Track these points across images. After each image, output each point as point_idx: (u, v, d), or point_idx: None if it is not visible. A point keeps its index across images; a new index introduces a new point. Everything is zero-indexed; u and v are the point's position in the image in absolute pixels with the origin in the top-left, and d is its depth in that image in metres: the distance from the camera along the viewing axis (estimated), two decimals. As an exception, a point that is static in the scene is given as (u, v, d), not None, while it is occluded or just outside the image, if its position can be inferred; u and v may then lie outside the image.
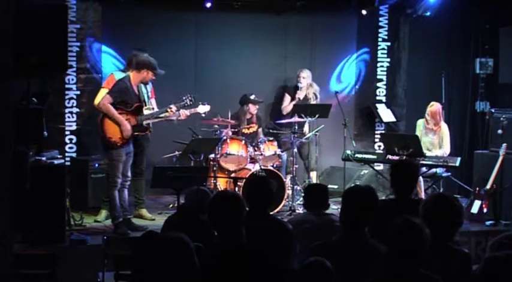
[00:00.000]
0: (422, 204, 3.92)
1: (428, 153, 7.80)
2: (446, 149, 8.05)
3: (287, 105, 8.68)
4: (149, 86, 7.33)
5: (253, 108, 8.50)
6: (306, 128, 8.54)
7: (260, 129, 8.65)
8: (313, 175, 8.55)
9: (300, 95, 8.60)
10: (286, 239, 4.33)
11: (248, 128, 8.43)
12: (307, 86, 8.64)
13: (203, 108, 7.55)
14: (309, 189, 5.08)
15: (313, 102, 8.63)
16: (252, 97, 8.46)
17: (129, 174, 6.91)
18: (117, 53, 8.64)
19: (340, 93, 9.24)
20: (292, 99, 8.65)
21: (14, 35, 2.90)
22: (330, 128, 8.67)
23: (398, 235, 3.17)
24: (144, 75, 6.78)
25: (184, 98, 7.12)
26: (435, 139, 8.11)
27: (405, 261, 3.14)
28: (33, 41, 5.76)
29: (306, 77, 8.61)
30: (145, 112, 6.92)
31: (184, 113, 7.30)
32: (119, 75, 7.11)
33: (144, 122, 6.84)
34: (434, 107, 8.09)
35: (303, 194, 6.09)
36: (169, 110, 6.97)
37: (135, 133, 6.77)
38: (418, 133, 8.07)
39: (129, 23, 8.71)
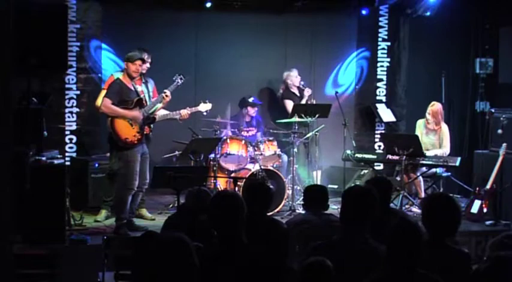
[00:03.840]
0: (422, 204, 3.93)
1: (428, 153, 7.81)
2: (446, 149, 8.05)
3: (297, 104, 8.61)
4: (151, 86, 7.32)
5: (252, 111, 8.50)
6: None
7: (259, 134, 8.63)
8: (315, 175, 8.54)
9: (309, 91, 8.59)
10: (281, 238, 4.33)
11: (247, 131, 8.42)
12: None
13: (205, 107, 7.55)
14: (308, 190, 5.09)
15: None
16: (251, 100, 8.46)
17: (148, 176, 6.86)
18: (117, 53, 8.63)
19: (340, 93, 9.24)
20: (300, 98, 8.61)
21: (14, 35, 2.90)
22: (330, 128, 8.67)
23: (394, 235, 3.19)
24: (128, 68, 6.79)
25: (174, 78, 7.07)
26: (436, 140, 8.11)
27: (403, 261, 3.15)
28: (33, 41, 5.76)
29: (299, 76, 8.63)
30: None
31: (186, 112, 7.29)
32: (118, 76, 7.12)
33: (156, 116, 6.89)
34: (436, 106, 8.10)
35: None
36: (164, 95, 6.93)
37: (145, 125, 6.78)
38: (418, 133, 8.07)
39: (129, 23, 8.71)
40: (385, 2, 9.28)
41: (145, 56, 7.25)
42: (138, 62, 6.79)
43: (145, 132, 7.02)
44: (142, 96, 6.97)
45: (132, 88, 6.84)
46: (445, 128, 8.15)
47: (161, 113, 7.30)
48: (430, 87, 9.37)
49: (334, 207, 7.09)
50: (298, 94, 8.67)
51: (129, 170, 6.67)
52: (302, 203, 5.37)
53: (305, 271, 3.27)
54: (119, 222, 6.72)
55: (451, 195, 4.09)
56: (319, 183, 8.46)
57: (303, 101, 8.53)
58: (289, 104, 8.56)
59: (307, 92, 8.55)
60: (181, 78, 7.05)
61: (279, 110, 8.97)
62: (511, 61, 8.18)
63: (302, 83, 8.61)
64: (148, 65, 7.34)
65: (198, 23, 9.06)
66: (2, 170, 2.86)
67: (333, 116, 8.47)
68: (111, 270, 4.99)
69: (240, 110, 8.55)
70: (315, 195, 4.91)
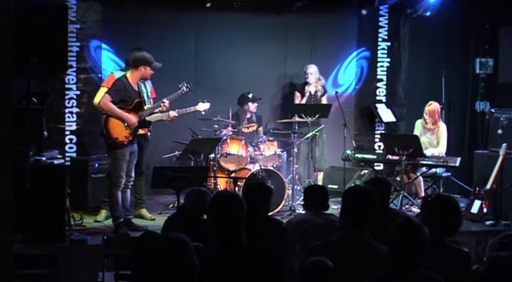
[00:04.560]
0: (422, 204, 3.93)
1: (424, 152, 7.81)
2: (441, 149, 8.05)
3: (299, 103, 8.66)
4: (149, 86, 7.32)
5: (252, 106, 8.50)
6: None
7: (260, 129, 8.64)
8: (315, 175, 8.53)
9: (311, 89, 8.58)
10: (281, 237, 4.33)
11: (248, 127, 8.43)
12: (315, 80, 8.62)
13: (203, 106, 7.55)
14: (309, 190, 5.09)
15: (321, 97, 8.60)
16: (250, 96, 8.47)
17: (133, 174, 6.88)
18: (117, 53, 8.63)
19: (340, 93, 9.24)
20: (303, 96, 8.63)
21: (14, 35, 2.90)
22: (330, 128, 8.67)
23: (398, 235, 3.18)
24: (142, 72, 6.78)
25: (180, 85, 7.07)
26: (433, 139, 8.12)
27: (405, 260, 3.15)
28: (33, 41, 5.76)
29: (313, 72, 8.58)
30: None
31: (174, 114, 7.25)
32: (119, 74, 7.12)
33: (147, 118, 6.86)
34: (433, 105, 8.12)
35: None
36: (162, 104, 6.93)
37: (139, 129, 6.77)
38: (416, 133, 8.09)
39: (129, 23, 8.70)
40: (385, 2, 9.28)
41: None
42: (150, 68, 6.81)
43: (143, 133, 7.03)
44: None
45: (136, 89, 6.82)
46: (442, 127, 8.15)
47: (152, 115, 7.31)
48: (430, 87, 9.37)
49: (334, 207, 7.09)
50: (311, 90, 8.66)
51: (116, 167, 6.67)
52: (302, 203, 5.37)
53: (305, 271, 3.27)
54: (116, 221, 6.73)
55: (451, 195, 4.09)
56: (320, 183, 8.47)
57: (303, 100, 8.55)
58: (296, 96, 8.67)
59: (307, 90, 8.56)
60: (187, 87, 7.06)
61: (279, 109, 8.97)
62: (511, 61, 8.17)
63: (309, 81, 8.58)
64: None
65: (198, 23, 9.06)
66: (2, 170, 2.86)
67: (333, 116, 8.47)
68: (111, 270, 5.00)
69: (240, 107, 8.54)
70: (315, 195, 4.91)
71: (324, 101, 8.63)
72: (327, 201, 4.91)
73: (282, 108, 9.25)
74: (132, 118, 6.66)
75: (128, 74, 6.83)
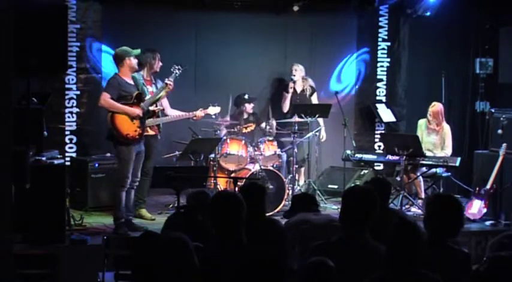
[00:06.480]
0: (426, 203, 3.94)
1: (428, 154, 7.81)
2: (448, 151, 8.05)
3: (284, 101, 8.69)
4: (160, 86, 7.32)
5: (249, 107, 8.52)
6: (322, 132, 8.55)
7: (263, 125, 8.61)
8: (314, 175, 8.54)
9: (297, 88, 8.58)
10: (279, 238, 4.34)
11: (246, 128, 8.43)
12: (302, 79, 8.64)
13: (213, 110, 7.57)
14: (296, 199, 5.17)
15: (312, 97, 8.63)
16: (246, 96, 8.48)
17: (139, 174, 6.89)
18: (117, 53, 8.63)
19: (340, 93, 9.24)
20: (288, 93, 8.65)
21: (14, 35, 2.90)
22: (330, 128, 8.67)
23: (393, 235, 3.19)
24: (129, 63, 6.78)
25: (171, 69, 7.06)
26: (437, 140, 8.11)
27: (403, 260, 3.15)
28: (33, 41, 5.75)
29: (298, 70, 8.61)
30: (161, 118, 7.16)
31: (201, 114, 7.33)
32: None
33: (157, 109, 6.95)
34: (436, 107, 8.10)
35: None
36: (167, 83, 6.95)
37: (145, 121, 6.79)
38: (419, 133, 8.08)
39: (129, 23, 8.71)
40: (385, 2, 9.28)
41: (158, 56, 7.31)
42: (133, 57, 6.81)
43: (153, 133, 7.04)
44: (150, 96, 7.02)
45: (132, 82, 6.84)
46: (446, 128, 8.14)
47: (176, 113, 7.34)
48: (430, 87, 9.37)
49: (334, 207, 7.10)
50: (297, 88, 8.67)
51: (122, 167, 6.68)
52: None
53: (306, 271, 3.27)
54: (117, 221, 6.73)
55: (453, 195, 4.10)
56: (318, 183, 8.48)
57: (288, 98, 8.54)
58: (284, 95, 8.73)
59: (290, 86, 8.59)
60: (179, 69, 7.06)
61: (279, 109, 8.97)
62: (511, 61, 8.17)
63: (293, 78, 8.58)
64: (161, 63, 7.36)
65: (198, 23, 9.06)
66: (2, 170, 2.86)
67: (333, 116, 8.47)
68: (111, 270, 5.00)
69: (236, 108, 8.54)
70: (303, 203, 4.97)
71: (315, 99, 8.66)
72: (316, 205, 4.98)
73: (281, 109, 9.24)
74: (135, 110, 6.69)
75: (118, 72, 6.84)
